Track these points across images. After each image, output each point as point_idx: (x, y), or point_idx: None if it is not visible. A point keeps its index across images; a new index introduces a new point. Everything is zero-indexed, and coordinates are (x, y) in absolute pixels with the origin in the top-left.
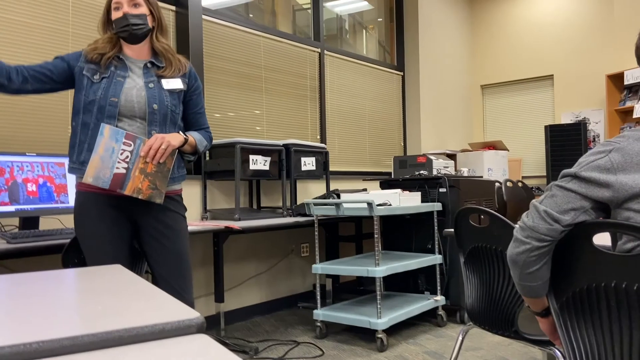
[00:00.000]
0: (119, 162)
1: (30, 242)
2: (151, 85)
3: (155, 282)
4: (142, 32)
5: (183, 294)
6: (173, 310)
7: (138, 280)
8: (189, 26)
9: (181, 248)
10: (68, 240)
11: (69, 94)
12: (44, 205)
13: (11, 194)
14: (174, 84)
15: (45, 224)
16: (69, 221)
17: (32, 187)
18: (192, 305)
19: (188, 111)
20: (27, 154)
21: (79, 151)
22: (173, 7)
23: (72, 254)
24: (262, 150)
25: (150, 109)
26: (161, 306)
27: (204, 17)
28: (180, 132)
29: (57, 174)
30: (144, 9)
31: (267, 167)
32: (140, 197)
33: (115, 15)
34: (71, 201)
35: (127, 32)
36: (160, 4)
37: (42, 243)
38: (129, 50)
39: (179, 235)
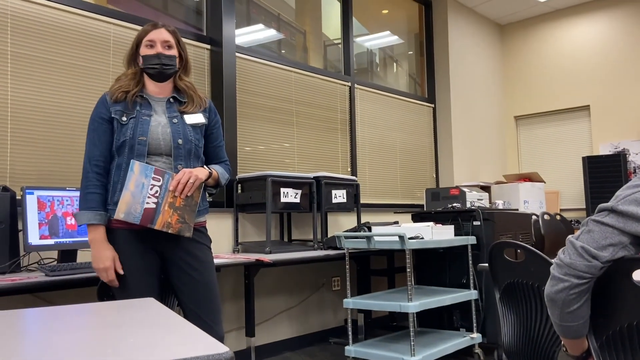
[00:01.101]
0: (149, 197)
1: (67, 274)
2: (175, 120)
3: (185, 315)
4: (170, 72)
5: (213, 326)
6: (203, 344)
7: (169, 314)
8: (223, 64)
9: (210, 280)
10: None
11: None
12: (82, 238)
13: (51, 228)
14: (196, 118)
15: (82, 257)
16: None
17: (71, 221)
18: (221, 338)
19: (208, 145)
20: (67, 188)
21: (113, 191)
22: (208, 46)
23: (107, 287)
24: (292, 183)
25: (175, 144)
26: (191, 340)
27: (237, 54)
28: (205, 166)
29: None
30: (174, 51)
31: (297, 200)
32: (170, 231)
33: (146, 51)
34: None
35: (157, 70)
36: (197, 43)
37: (79, 276)
38: (152, 86)
39: (207, 267)
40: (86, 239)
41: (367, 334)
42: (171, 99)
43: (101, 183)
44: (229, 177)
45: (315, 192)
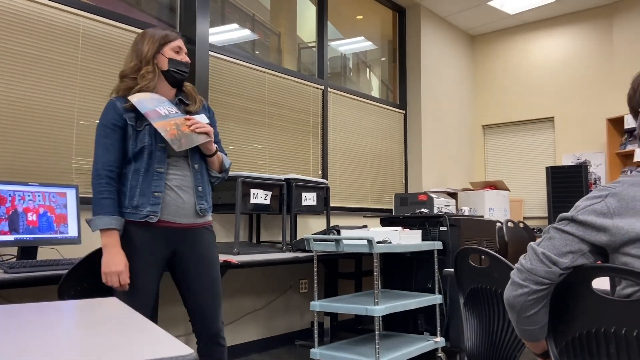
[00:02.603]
0: (162, 108)
1: (27, 272)
2: None
3: (187, 308)
4: (185, 80)
5: (215, 320)
6: (167, 345)
7: (133, 314)
8: (195, 62)
9: (217, 276)
10: (66, 271)
11: (75, 125)
12: (43, 235)
13: (11, 223)
14: (201, 118)
15: (43, 254)
16: (67, 252)
17: (32, 217)
18: (220, 331)
19: None
20: (29, 183)
21: (131, 195)
22: None
23: (69, 286)
24: (263, 185)
25: None
26: (154, 341)
27: (210, 53)
28: None
29: (58, 204)
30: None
31: (267, 202)
32: (163, 134)
33: (175, 56)
34: (71, 231)
35: (181, 77)
36: None
37: (40, 273)
38: (162, 90)
39: (215, 264)
40: (47, 236)
41: (333, 336)
42: (177, 101)
43: (114, 189)
44: (230, 165)
45: (286, 194)
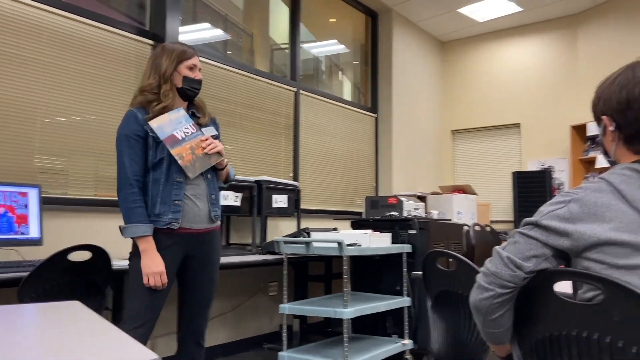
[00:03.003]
0: (179, 131)
1: None
2: None
3: (183, 306)
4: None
5: (206, 320)
6: (129, 350)
7: (96, 318)
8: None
9: (217, 280)
10: (26, 274)
11: (39, 122)
12: (2, 236)
13: None
14: (211, 131)
15: (3, 255)
16: (28, 253)
17: None
18: (204, 332)
19: None
20: None
21: (153, 204)
22: (151, 42)
23: (30, 288)
24: (233, 186)
25: None
26: (117, 346)
27: (177, 44)
28: None
29: (19, 204)
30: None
31: (238, 203)
32: (180, 162)
33: (189, 73)
34: (32, 232)
35: (194, 93)
36: (138, 38)
37: None
38: (178, 104)
39: (217, 268)
40: (7, 236)
41: (302, 339)
42: (190, 115)
43: (142, 197)
44: (234, 175)
45: (256, 195)
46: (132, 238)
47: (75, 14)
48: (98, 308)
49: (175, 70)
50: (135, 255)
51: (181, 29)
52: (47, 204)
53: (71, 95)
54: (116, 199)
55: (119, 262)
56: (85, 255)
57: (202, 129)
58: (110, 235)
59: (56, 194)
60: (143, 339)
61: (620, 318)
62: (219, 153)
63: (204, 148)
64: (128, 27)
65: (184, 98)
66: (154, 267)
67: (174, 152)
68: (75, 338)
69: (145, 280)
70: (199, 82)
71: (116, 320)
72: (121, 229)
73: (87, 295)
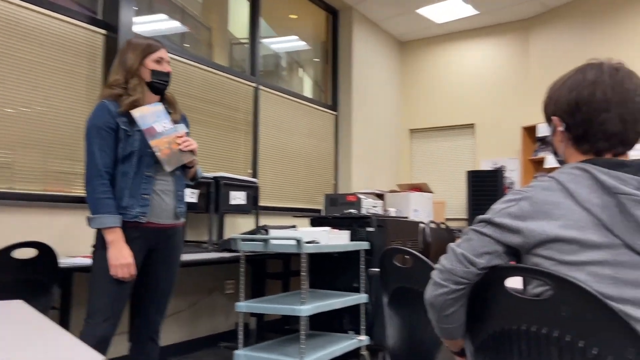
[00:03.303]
0: (159, 124)
1: None
2: None
3: (140, 300)
4: (167, 88)
5: (162, 316)
6: (74, 351)
7: (40, 319)
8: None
9: (175, 277)
10: None
11: None
12: None
13: None
14: (182, 128)
15: None
16: None
17: None
18: (159, 328)
19: None
20: None
21: (120, 197)
22: (103, 31)
23: None
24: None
25: None
26: (62, 347)
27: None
28: None
29: None
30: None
31: (194, 200)
32: (157, 154)
33: (156, 67)
34: None
35: (163, 86)
36: (90, 27)
37: None
38: (149, 99)
39: (177, 266)
40: None
41: (259, 337)
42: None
43: (111, 189)
44: (202, 174)
45: (214, 192)
46: (99, 229)
47: (23, 1)
48: (44, 308)
49: (142, 65)
50: (100, 248)
51: (136, 19)
52: None
53: (18, 85)
54: (66, 194)
55: (67, 259)
56: (30, 253)
57: (183, 133)
58: (58, 232)
59: (1, 189)
60: (110, 333)
61: (567, 313)
62: (192, 151)
63: (179, 144)
64: (79, 16)
65: (155, 92)
66: (122, 259)
67: (152, 143)
68: (17, 339)
69: (113, 272)
70: (168, 74)
71: (64, 320)
72: (89, 220)
73: (32, 295)
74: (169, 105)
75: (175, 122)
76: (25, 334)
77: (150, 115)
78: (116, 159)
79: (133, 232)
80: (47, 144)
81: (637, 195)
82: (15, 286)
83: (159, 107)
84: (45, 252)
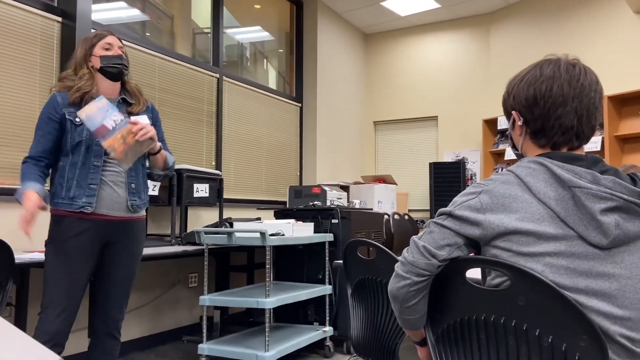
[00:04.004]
0: (109, 119)
1: None
2: None
3: (96, 296)
4: (125, 73)
5: (121, 311)
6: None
7: None
8: (75, 40)
9: (134, 271)
10: None
11: None
12: None
13: None
14: (143, 119)
15: None
16: None
17: None
18: (121, 321)
19: None
20: None
21: (68, 187)
22: (59, 19)
23: None
24: (151, 175)
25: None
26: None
27: (93, 31)
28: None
29: None
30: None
31: (156, 192)
32: (112, 154)
33: (105, 52)
34: None
35: (118, 70)
36: (45, 14)
37: None
38: (103, 87)
39: (136, 260)
40: None
41: (223, 331)
42: (121, 100)
43: (39, 169)
44: (174, 163)
45: (176, 185)
46: (18, 200)
47: None
48: None
49: (91, 54)
50: (50, 241)
51: (94, 6)
52: None
53: None
54: (20, 186)
55: (23, 255)
56: None
57: (135, 117)
58: (12, 227)
59: None
60: (64, 328)
61: (524, 302)
62: (151, 139)
63: (135, 135)
64: (34, 2)
65: (112, 78)
66: (28, 202)
67: (105, 145)
68: None
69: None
70: (119, 57)
71: (20, 316)
72: (17, 198)
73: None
74: (130, 95)
75: (134, 114)
76: None
77: (97, 113)
78: (64, 150)
79: (83, 223)
80: None
81: (590, 189)
82: None
83: (104, 102)
84: (0, 248)
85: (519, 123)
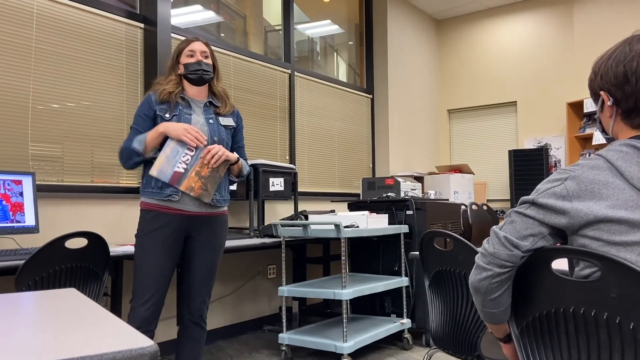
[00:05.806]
0: (180, 163)
1: None
2: (211, 121)
3: (183, 286)
4: (208, 78)
5: (205, 301)
6: (125, 338)
7: (92, 305)
8: (157, 44)
9: (217, 263)
10: (22, 262)
11: (30, 109)
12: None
13: None
14: (228, 121)
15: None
16: (24, 241)
17: None
18: (204, 310)
19: (232, 145)
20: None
21: (157, 179)
22: (142, 25)
23: (27, 276)
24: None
25: (211, 141)
26: (113, 333)
27: (173, 35)
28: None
29: (13, 192)
30: (210, 61)
31: (235, 188)
32: (191, 194)
33: (187, 60)
34: (28, 220)
35: (198, 76)
36: (129, 21)
37: None
38: (191, 90)
39: (219, 252)
40: (3, 225)
41: (302, 321)
42: (208, 103)
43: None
44: (249, 170)
45: (253, 179)
46: (135, 150)
47: None
48: (96, 295)
49: (178, 62)
50: (138, 234)
51: (173, 11)
52: (43, 191)
53: (64, 81)
54: (113, 185)
55: (117, 248)
56: (82, 242)
57: (220, 118)
58: (107, 222)
59: (52, 182)
60: (153, 314)
61: (617, 294)
62: (226, 161)
63: (208, 165)
64: (118, 11)
65: (194, 83)
66: (179, 127)
67: (182, 188)
68: (71, 326)
69: (185, 139)
70: (198, 63)
71: (115, 306)
72: (129, 150)
73: (84, 282)
74: (217, 98)
75: (220, 115)
76: (78, 320)
77: (166, 164)
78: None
79: (167, 217)
80: (94, 138)
81: None
82: (69, 275)
83: (171, 146)
84: (97, 241)
85: (609, 103)
